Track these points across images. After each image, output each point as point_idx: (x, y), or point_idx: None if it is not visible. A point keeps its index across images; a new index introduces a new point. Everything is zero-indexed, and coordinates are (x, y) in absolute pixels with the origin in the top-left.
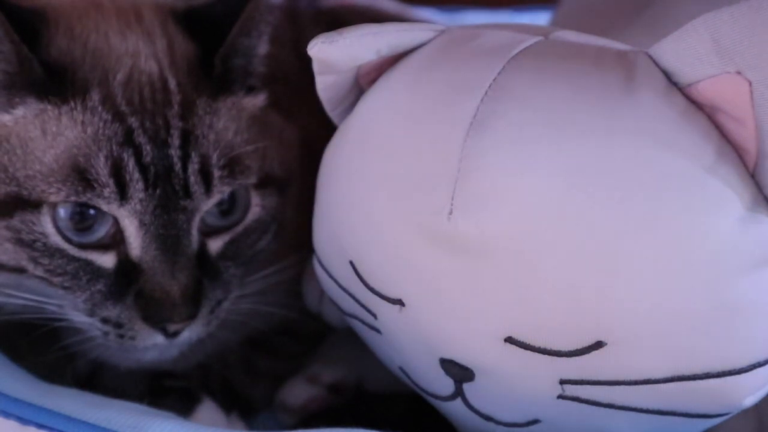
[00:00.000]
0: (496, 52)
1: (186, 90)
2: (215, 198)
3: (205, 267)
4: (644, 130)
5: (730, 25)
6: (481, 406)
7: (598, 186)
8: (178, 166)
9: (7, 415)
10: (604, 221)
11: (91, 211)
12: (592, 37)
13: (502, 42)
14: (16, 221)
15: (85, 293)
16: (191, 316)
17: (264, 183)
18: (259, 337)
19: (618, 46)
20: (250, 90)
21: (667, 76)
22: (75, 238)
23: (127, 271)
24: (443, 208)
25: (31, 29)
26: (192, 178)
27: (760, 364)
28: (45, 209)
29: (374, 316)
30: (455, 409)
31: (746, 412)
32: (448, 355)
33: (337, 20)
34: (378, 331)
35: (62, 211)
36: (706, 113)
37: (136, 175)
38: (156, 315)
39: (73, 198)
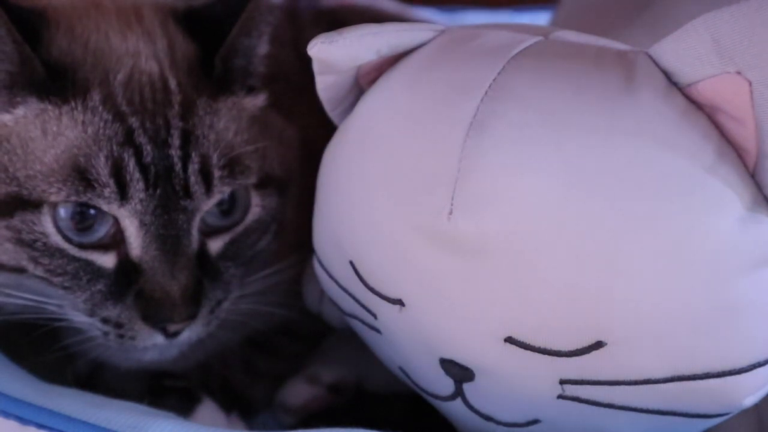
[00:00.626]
0: (496, 52)
1: (186, 90)
2: (215, 198)
3: (205, 267)
4: (644, 130)
5: (730, 25)
6: (481, 406)
7: (598, 186)
8: (178, 167)
9: (7, 415)
10: (604, 221)
11: (92, 211)
12: (592, 37)
13: (502, 42)
14: (16, 221)
15: (85, 293)
16: (191, 317)
17: (264, 183)
18: (259, 337)
19: (618, 46)
20: (251, 90)
21: (667, 76)
22: (75, 238)
23: (128, 271)
24: (443, 208)
25: (32, 29)
26: (192, 178)
27: (760, 364)
28: (45, 209)
29: (374, 316)
30: (455, 409)
31: (746, 412)
32: (448, 355)
33: (337, 20)
34: (378, 331)
35: (63, 211)
36: (706, 113)
37: (137, 175)
38: (156, 315)
39: (73, 198)
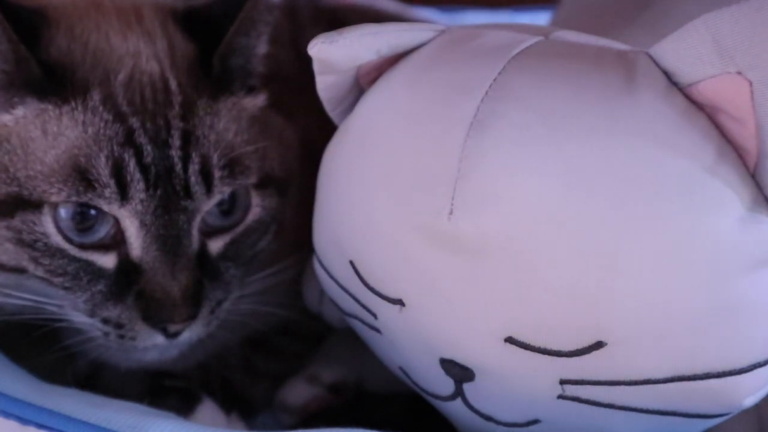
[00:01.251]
0: (497, 52)
1: (186, 90)
2: (216, 198)
3: (205, 267)
4: (644, 130)
5: (731, 25)
6: (481, 406)
7: (598, 186)
8: (178, 167)
9: (7, 415)
10: (604, 221)
11: (92, 212)
12: (592, 37)
13: (503, 42)
14: (17, 221)
15: (85, 293)
16: (191, 317)
17: (264, 183)
18: (259, 337)
19: (618, 46)
20: (250, 90)
21: (668, 76)
22: (76, 239)
23: (128, 271)
24: (443, 208)
25: (31, 29)
26: (193, 179)
27: (760, 365)
28: (46, 209)
29: (374, 316)
30: (455, 409)
31: (746, 413)
32: (448, 355)
33: (337, 20)
34: (378, 331)
35: (63, 212)
36: (706, 113)
37: (137, 176)
38: (156, 315)
39: (74, 198)
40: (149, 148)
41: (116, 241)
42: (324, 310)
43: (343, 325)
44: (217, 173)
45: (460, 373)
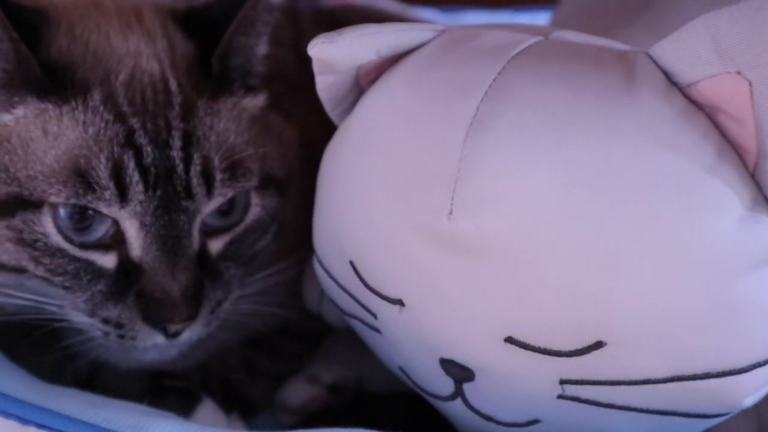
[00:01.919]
0: (496, 52)
1: (187, 91)
2: (217, 201)
3: (205, 267)
4: (644, 130)
5: (730, 25)
6: (481, 406)
7: (598, 186)
8: (179, 168)
9: (7, 415)
10: (604, 221)
11: (90, 212)
12: (592, 37)
13: (502, 42)
14: (17, 221)
15: (85, 293)
16: (192, 317)
17: (264, 183)
18: (259, 337)
19: (618, 46)
20: (250, 90)
21: (667, 76)
22: (76, 238)
23: (128, 271)
24: (443, 208)
25: (32, 29)
26: (194, 180)
27: (760, 364)
28: (46, 209)
29: (374, 316)
30: (455, 409)
31: (746, 412)
32: (448, 355)
33: (337, 20)
34: (378, 331)
35: (62, 211)
36: (706, 113)
37: (136, 177)
38: (156, 315)
39: (73, 200)
40: (149, 148)
41: (116, 241)
42: (324, 310)
43: (343, 325)
44: (218, 175)
45: (460, 373)
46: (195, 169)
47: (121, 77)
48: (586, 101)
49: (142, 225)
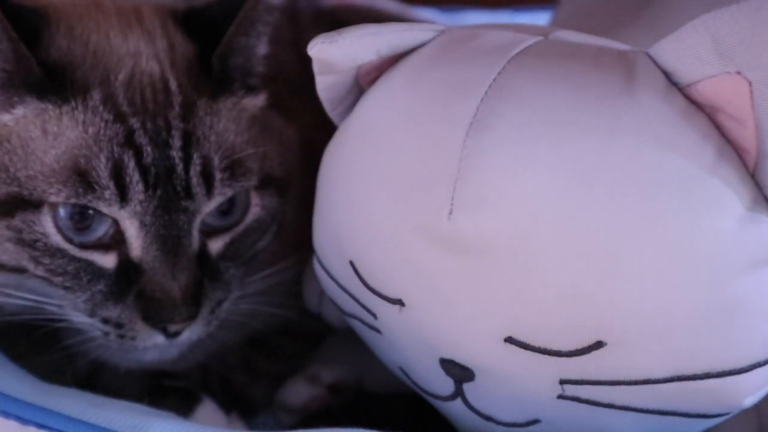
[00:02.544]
0: (496, 52)
1: (186, 91)
2: (217, 200)
3: (205, 267)
4: (644, 130)
5: (730, 25)
6: (481, 406)
7: (597, 186)
8: (179, 168)
9: (7, 415)
10: (604, 221)
11: (90, 211)
12: (592, 37)
13: (502, 42)
14: (17, 221)
15: (85, 293)
16: (192, 317)
17: (264, 183)
18: (259, 337)
19: (618, 46)
20: (250, 90)
21: (667, 76)
22: (76, 238)
23: (128, 271)
24: (443, 208)
25: (31, 29)
26: (194, 180)
27: (760, 364)
28: (46, 209)
29: (374, 316)
30: (455, 409)
31: (746, 412)
32: (448, 355)
33: (337, 20)
34: (378, 331)
35: (62, 211)
36: (706, 113)
37: (136, 177)
38: (156, 315)
39: (73, 200)
40: (149, 148)
41: (116, 241)
42: (324, 310)
43: (343, 325)
44: (218, 175)
45: (460, 373)
46: (195, 169)
47: (121, 77)
48: (586, 101)
49: (142, 225)
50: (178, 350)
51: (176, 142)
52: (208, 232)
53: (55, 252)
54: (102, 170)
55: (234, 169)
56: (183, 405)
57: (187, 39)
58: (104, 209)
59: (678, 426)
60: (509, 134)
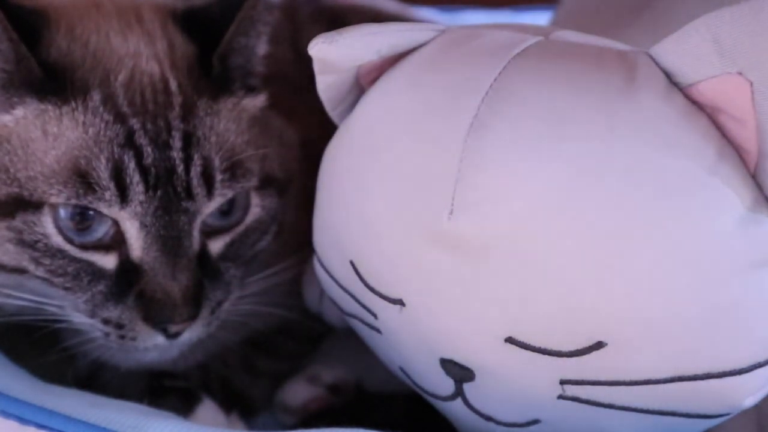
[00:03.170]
0: (497, 52)
1: (187, 91)
2: (217, 201)
3: (205, 268)
4: (645, 130)
5: (731, 26)
6: (482, 406)
7: (598, 186)
8: (180, 168)
9: (7, 415)
10: (605, 221)
11: (90, 212)
12: (592, 37)
13: (503, 42)
14: (17, 222)
15: (86, 294)
16: (192, 317)
17: (264, 184)
18: (259, 337)
19: (618, 46)
20: (251, 90)
21: (668, 76)
22: (76, 239)
23: (128, 272)
24: (444, 208)
25: (31, 29)
26: (195, 180)
27: (760, 365)
28: (46, 210)
29: (374, 316)
30: (455, 409)
31: (746, 413)
32: (448, 355)
33: (337, 19)
34: (378, 331)
35: (63, 212)
36: (706, 114)
37: (137, 178)
38: (157, 316)
39: (73, 201)
40: (149, 149)
41: (117, 242)
42: (324, 310)
43: (343, 325)
44: (218, 176)
45: (460, 373)
46: (195, 170)
47: (121, 78)
48: (587, 101)
49: (143, 225)
50: (178, 350)
51: (176, 142)
52: (209, 233)
53: (56, 253)
54: (102, 171)
55: (234, 169)
56: (183, 405)
57: (187, 39)
58: (105, 210)
59: (678, 426)
60: (510, 134)
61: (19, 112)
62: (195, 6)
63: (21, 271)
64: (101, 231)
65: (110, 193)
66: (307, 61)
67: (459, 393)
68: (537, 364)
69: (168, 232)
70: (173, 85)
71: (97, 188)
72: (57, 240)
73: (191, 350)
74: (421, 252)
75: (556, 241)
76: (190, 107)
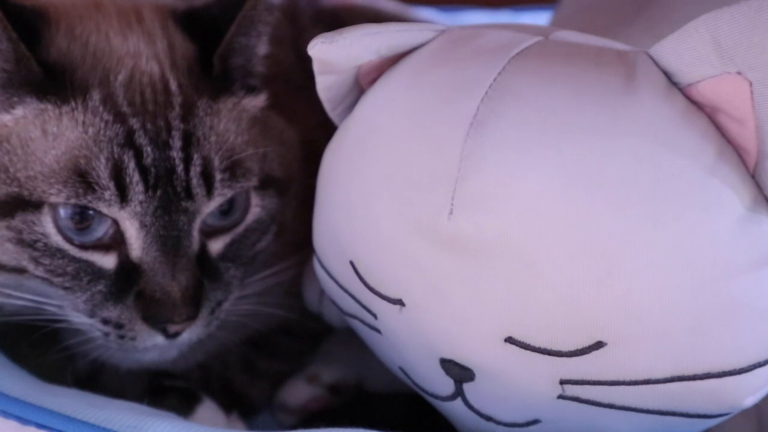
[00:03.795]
0: (497, 52)
1: (187, 91)
2: (217, 201)
3: (205, 268)
4: (644, 130)
5: (731, 26)
6: (481, 406)
7: (598, 186)
8: (180, 168)
9: (7, 415)
10: (604, 221)
11: (90, 212)
12: (592, 37)
13: (503, 42)
14: (17, 221)
15: (85, 294)
16: (191, 317)
17: (264, 184)
18: (259, 337)
19: (618, 46)
20: (251, 90)
21: (668, 76)
22: (76, 238)
23: (128, 271)
24: (443, 208)
25: (31, 29)
26: (194, 180)
27: (760, 365)
28: (46, 209)
29: (374, 316)
30: (455, 409)
31: (746, 413)
32: (448, 355)
33: (337, 20)
34: (378, 331)
35: (62, 211)
36: (706, 113)
37: (136, 178)
38: (156, 316)
39: (73, 200)
40: (149, 149)
41: (116, 242)
42: (324, 310)
43: (343, 325)
44: (218, 176)
45: (460, 373)
46: (195, 170)
47: (121, 77)
48: (587, 101)
49: (142, 225)
50: (178, 350)
51: (176, 142)
52: (208, 233)
53: (55, 252)
54: (102, 171)
55: (234, 169)
56: (183, 405)
57: (188, 39)
58: (104, 210)
59: (678, 426)
60: (509, 134)
61: (18, 111)
62: (195, 6)
63: (20, 270)
64: (101, 231)
65: (110, 193)
66: (308, 62)
67: (459, 393)
68: (537, 364)
69: (168, 232)
70: (173, 85)
71: (96, 188)
72: (56, 239)
73: (191, 350)
74: (420, 252)
75: (555, 241)
76: (190, 107)
